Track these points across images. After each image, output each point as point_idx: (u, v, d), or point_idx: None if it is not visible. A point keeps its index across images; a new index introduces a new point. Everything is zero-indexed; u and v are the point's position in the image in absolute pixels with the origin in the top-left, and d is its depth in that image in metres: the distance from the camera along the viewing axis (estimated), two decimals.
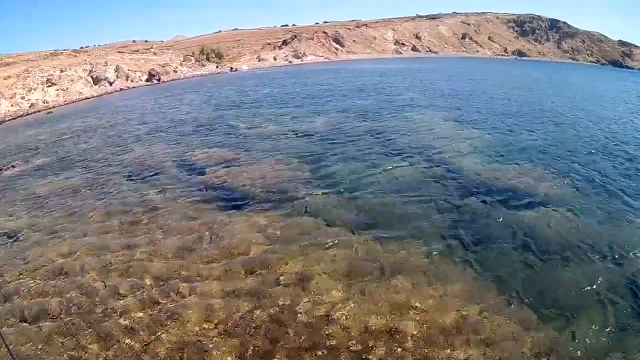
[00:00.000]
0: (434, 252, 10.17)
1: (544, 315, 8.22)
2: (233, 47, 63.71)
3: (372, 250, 10.29)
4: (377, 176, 14.89)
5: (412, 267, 9.62)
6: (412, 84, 39.83)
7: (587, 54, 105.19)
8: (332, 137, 20.08)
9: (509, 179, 14.67)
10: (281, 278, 9.31)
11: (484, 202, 12.93)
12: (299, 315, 8.16)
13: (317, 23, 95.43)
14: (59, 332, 8.12)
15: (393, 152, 17.50)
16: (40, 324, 8.39)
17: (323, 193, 13.53)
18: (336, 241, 10.68)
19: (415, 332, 7.64)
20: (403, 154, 17.14)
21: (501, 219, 11.92)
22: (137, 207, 13.39)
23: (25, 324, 8.46)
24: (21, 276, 10.06)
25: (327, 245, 10.52)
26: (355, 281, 9.13)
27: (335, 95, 33.46)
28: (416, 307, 8.31)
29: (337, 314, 8.13)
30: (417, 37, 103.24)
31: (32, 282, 9.79)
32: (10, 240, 11.94)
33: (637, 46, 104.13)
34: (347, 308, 8.32)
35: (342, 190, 13.75)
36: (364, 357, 7.19)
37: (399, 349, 7.28)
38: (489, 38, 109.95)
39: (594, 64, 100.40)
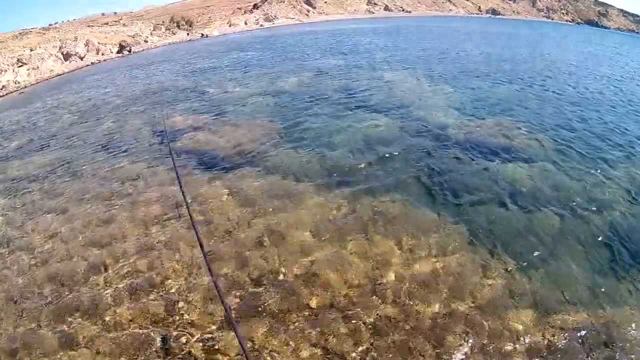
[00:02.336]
0: (410, 206, 10.20)
1: (521, 266, 8.33)
2: (203, 14, 62.13)
3: (348, 205, 10.29)
4: (352, 133, 14.84)
5: (389, 220, 9.66)
6: (386, 43, 39.18)
7: (562, 13, 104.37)
8: (306, 96, 20.00)
9: (485, 133, 14.68)
10: (259, 238, 9.26)
11: (459, 155, 12.95)
12: (280, 276, 8.15)
13: None
14: (47, 309, 8.01)
15: (367, 109, 17.41)
16: (28, 303, 8.29)
17: (298, 151, 13.51)
18: (312, 198, 10.69)
19: (395, 287, 7.68)
20: (377, 111, 17.05)
21: (476, 171, 11.97)
22: (113, 179, 13.23)
23: (13, 304, 8.33)
24: (3, 257, 9.95)
25: (303, 203, 10.50)
26: (332, 237, 9.12)
27: (307, 57, 32.92)
28: (395, 261, 8.34)
29: (317, 272, 8.12)
30: None
31: (14, 262, 9.71)
32: None
33: (613, 7, 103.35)
34: (327, 265, 8.30)
35: (317, 147, 13.74)
36: (347, 313, 7.22)
37: (381, 304, 7.35)
38: None
39: (569, 23, 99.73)
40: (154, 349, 6.86)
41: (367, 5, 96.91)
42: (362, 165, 12.30)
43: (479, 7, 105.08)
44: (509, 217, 9.90)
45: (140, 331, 7.23)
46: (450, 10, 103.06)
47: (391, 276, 7.95)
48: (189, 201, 9.56)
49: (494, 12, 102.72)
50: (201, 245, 6.64)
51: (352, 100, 18.88)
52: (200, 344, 6.85)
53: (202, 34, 56.90)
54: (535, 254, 8.71)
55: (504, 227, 9.53)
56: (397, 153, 13.02)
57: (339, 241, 8.99)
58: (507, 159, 12.75)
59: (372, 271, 8.10)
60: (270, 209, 10.32)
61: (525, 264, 8.42)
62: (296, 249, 8.84)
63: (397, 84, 22.02)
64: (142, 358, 6.73)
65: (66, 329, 7.47)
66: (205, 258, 6.43)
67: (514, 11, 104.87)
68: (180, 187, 9.46)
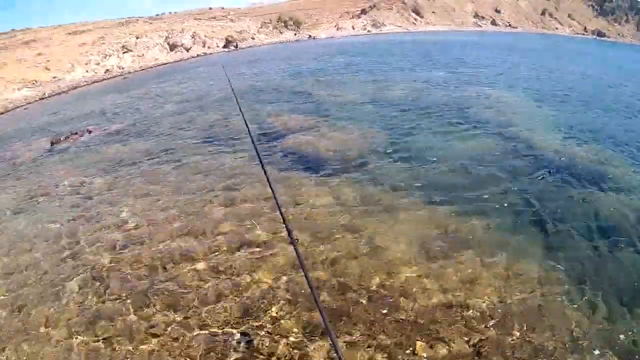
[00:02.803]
0: (504, 228, 9.64)
1: (613, 306, 7.51)
2: (311, 15, 60.23)
3: (443, 222, 9.86)
4: (452, 148, 14.34)
5: (482, 241, 9.11)
6: (491, 58, 37.38)
7: None
8: (411, 108, 19.06)
9: (587, 160, 13.63)
10: (351, 246, 8.92)
11: (558, 180, 12.20)
12: (368, 285, 7.80)
13: None
14: (126, 289, 7.93)
15: (470, 125, 16.62)
16: (108, 284, 8.13)
17: (397, 162, 13.12)
18: (408, 211, 10.29)
19: (481, 311, 7.31)
20: (479, 128, 16.30)
21: (575, 200, 11.18)
22: (211, 171, 13.03)
23: (96, 282, 8.28)
24: (95, 233, 9.98)
25: (399, 216, 10.08)
26: (425, 253, 8.78)
27: (414, 66, 31.35)
28: (483, 284, 7.97)
29: (406, 287, 7.82)
30: (497, 11, 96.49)
31: (104, 237, 9.72)
32: (85, 201, 11.82)
33: None
34: (417, 281, 8.00)
35: (416, 160, 13.33)
36: (431, 332, 6.93)
37: (465, 327, 6.98)
38: (569, 16, 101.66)
39: None
40: (238, 349, 6.61)
41: (475, 18, 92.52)
42: (463, 185, 11.76)
43: (585, 27, 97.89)
44: (606, 254, 8.94)
45: (225, 330, 7.00)
46: (555, 28, 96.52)
47: (477, 301, 7.53)
48: (283, 210, 7.73)
49: (599, 33, 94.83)
50: (296, 252, 5.58)
51: (455, 115, 17.92)
52: (290, 348, 6.60)
53: (309, 35, 54.57)
54: (635, 298, 7.71)
55: (599, 264, 8.70)
56: (497, 175, 12.40)
57: (431, 259, 8.62)
58: (611, 191, 11.69)
59: (459, 293, 7.71)
60: (368, 221, 9.92)
61: (618, 305, 7.57)
62: (389, 262, 8.49)
63: (501, 101, 20.62)
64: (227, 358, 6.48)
65: (147, 316, 7.33)
66: (302, 267, 5.63)
67: (618, 34, 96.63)
68: (272, 190, 7.93)
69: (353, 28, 63.03)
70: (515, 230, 9.56)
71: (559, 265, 8.50)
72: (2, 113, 27.97)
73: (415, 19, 78.59)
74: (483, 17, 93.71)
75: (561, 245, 9.10)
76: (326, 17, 62.35)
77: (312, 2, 69.39)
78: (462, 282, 7.95)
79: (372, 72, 28.70)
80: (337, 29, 60.50)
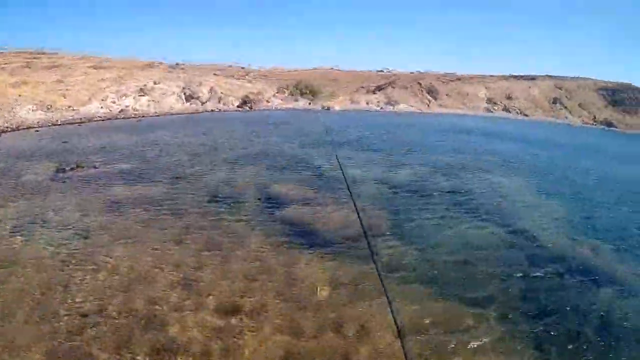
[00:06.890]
0: (499, 325, 9.44)
1: None
2: (327, 86, 61.87)
3: (436, 311, 9.85)
4: (451, 235, 14.61)
5: (474, 336, 8.90)
6: (502, 146, 37.61)
7: None
8: (412, 190, 19.75)
9: (589, 258, 13.70)
10: (343, 325, 8.90)
11: (558, 277, 12.16)
12: None
13: (412, 72, 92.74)
14: (111, 331, 7.99)
15: (470, 213, 17.09)
16: (94, 322, 8.25)
17: (395, 245, 13.29)
18: (401, 295, 10.29)
19: None
20: (480, 217, 16.71)
21: (575, 298, 11.09)
22: (212, 228, 13.40)
23: (83, 318, 8.35)
24: (86, 275, 10.09)
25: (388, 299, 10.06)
26: (416, 340, 8.59)
27: (422, 148, 32.14)
28: None
29: None
30: (509, 98, 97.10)
31: (94, 281, 9.85)
32: (81, 239, 11.97)
33: None
34: None
35: (414, 244, 13.51)
36: None
37: None
38: (579, 105, 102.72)
39: None
40: None
41: (487, 104, 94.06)
42: (456, 271, 11.88)
43: (594, 116, 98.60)
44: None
45: None
46: (565, 117, 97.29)
47: None
48: None
49: (608, 124, 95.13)
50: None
51: (457, 202, 18.50)
52: None
53: (323, 106, 55.94)
54: None
55: None
56: (494, 264, 12.48)
57: (421, 347, 8.48)
58: (611, 291, 11.47)
59: None
60: (357, 299, 9.97)
61: None
62: (375, 345, 8.40)
63: (504, 191, 21.08)
64: None
65: None
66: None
67: (627, 125, 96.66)
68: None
69: (367, 103, 64.29)
70: (508, 326, 9.37)
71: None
72: (14, 130, 28.69)
73: (430, 101, 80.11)
74: (495, 103, 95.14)
75: (557, 347, 8.81)
76: (343, 89, 63.87)
77: (330, 72, 71.50)
78: None
79: (377, 149, 29.40)
80: (352, 103, 61.83)
